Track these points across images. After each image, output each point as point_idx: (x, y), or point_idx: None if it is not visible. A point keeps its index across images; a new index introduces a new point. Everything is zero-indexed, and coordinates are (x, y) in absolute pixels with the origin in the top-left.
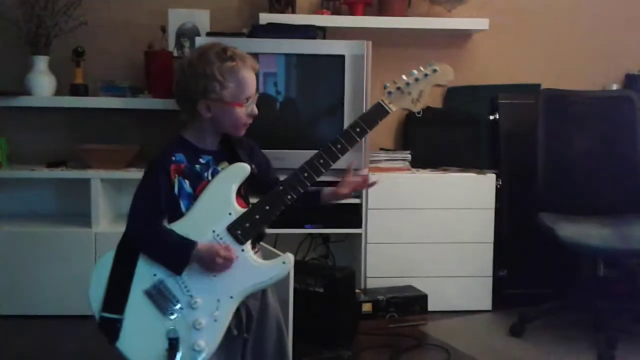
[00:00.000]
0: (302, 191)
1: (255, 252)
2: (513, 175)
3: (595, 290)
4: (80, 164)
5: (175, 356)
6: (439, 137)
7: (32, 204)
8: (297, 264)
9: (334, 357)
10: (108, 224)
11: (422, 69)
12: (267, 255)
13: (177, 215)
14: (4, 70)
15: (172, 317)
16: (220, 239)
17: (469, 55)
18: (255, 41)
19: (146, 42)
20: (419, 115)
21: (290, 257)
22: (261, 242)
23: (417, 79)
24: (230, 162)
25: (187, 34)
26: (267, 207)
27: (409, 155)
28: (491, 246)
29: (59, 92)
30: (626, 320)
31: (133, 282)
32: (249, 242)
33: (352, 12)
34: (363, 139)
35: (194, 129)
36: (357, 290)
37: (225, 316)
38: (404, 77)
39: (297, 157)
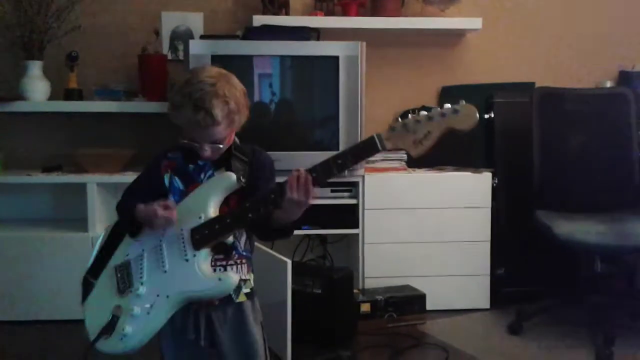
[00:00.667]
0: (264, 212)
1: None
2: (509, 174)
3: (592, 287)
4: (76, 168)
5: (108, 331)
6: None
7: (28, 209)
8: (295, 266)
9: (333, 358)
10: (105, 228)
11: (447, 106)
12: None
13: None
14: None
15: (123, 297)
16: (182, 238)
17: (462, 54)
18: (249, 43)
19: (140, 45)
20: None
21: (230, 277)
22: (250, 245)
23: (430, 118)
24: (227, 170)
25: (180, 36)
26: (228, 221)
27: (405, 155)
28: (488, 245)
29: (53, 96)
30: (624, 317)
31: (113, 255)
32: (206, 249)
33: (345, 13)
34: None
35: None
36: (355, 291)
37: (159, 313)
38: (423, 113)
39: (292, 159)
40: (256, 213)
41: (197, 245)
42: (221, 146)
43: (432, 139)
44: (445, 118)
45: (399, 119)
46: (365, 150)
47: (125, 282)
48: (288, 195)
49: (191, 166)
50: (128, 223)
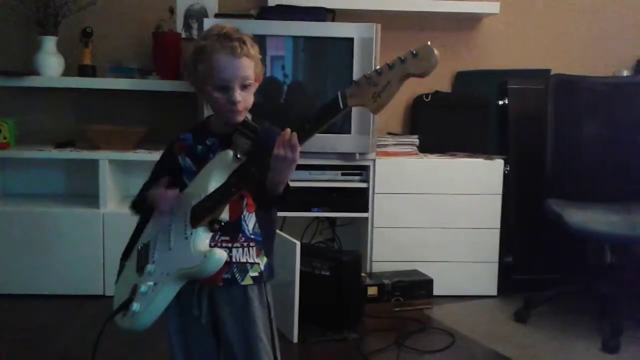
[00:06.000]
0: (247, 185)
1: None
2: (521, 161)
3: (601, 277)
4: (89, 145)
5: (125, 307)
6: (447, 122)
7: (40, 184)
8: (304, 247)
9: (339, 339)
10: (116, 204)
11: (407, 51)
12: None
13: (181, 186)
14: (12, 51)
15: (139, 275)
16: (185, 217)
17: (478, 39)
18: (264, 23)
19: (154, 23)
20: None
21: (214, 254)
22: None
23: (390, 66)
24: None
25: (195, 15)
26: (218, 197)
27: (417, 140)
28: (498, 232)
29: (67, 72)
30: (632, 308)
31: (141, 237)
32: (202, 227)
33: None
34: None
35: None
36: (362, 274)
37: (162, 291)
38: (385, 63)
39: None
40: (240, 186)
41: (193, 222)
42: (249, 94)
43: (390, 90)
44: (405, 63)
45: (365, 73)
46: (327, 111)
47: (142, 261)
48: (275, 152)
49: (199, 147)
50: (145, 208)
